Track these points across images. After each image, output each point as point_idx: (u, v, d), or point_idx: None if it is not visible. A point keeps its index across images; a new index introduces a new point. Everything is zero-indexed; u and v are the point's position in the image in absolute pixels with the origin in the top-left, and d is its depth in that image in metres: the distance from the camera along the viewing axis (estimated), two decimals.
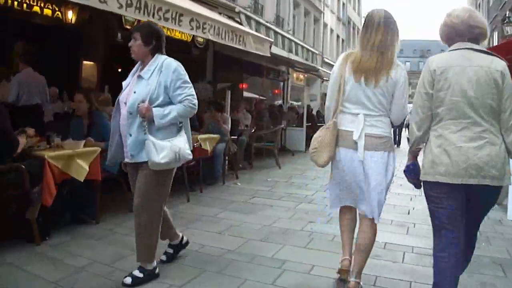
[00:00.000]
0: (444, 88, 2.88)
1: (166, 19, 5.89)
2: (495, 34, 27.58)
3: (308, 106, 18.87)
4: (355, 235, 3.69)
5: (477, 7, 36.21)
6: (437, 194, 2.93)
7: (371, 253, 3.54)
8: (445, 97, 2.88)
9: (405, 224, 5.70)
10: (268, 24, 19.29)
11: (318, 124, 14.07)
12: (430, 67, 2.96)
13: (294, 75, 25.38)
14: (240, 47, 7.91)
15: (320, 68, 21.96)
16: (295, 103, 26.09)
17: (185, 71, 3.70)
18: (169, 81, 3.57)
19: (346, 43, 39.11)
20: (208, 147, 7.31)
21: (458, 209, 2.90)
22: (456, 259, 2.89)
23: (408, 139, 3.54)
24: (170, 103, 3.62)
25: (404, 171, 3.20)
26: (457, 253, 2.89)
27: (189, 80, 3.70)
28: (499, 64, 2.89)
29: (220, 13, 9.62)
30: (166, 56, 3.74)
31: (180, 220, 5.28)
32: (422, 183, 3.07)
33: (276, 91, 22.34)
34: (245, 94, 17.24)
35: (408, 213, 6.37)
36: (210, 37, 6.99)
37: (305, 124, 14.69)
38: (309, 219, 5.76)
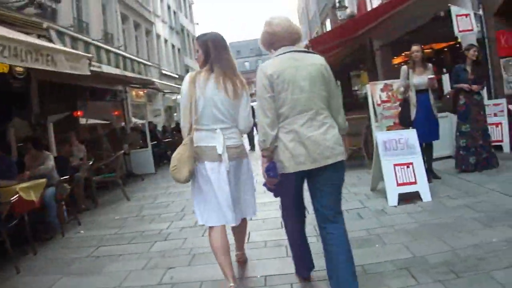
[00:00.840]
0: (284, 89, 3.25)
1: None
2: (328, 22, 29.09)
3: (150, 123, 17.92)
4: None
5: None
6: (294, 181, 3.41)
7: None
8: (287, 97, 3.26)
9: (282, 243, 4.96)
10: (95, 42, 17.96)
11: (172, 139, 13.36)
12: (266, 73, 3.30)
13: (133, 92, 24.25)
14: (50, 68, 6.39)
15: (158, 81, 21.04)
16: (139, 121, 24.97)
17: None
18: None
19: (182, 51, 38.65)
20: (33, 196, 6.12)
21: (301, 193, 3.59)
22: (301, 224, 3.75)
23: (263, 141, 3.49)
24: None
25: (266, 171, 3.37)
26: (301, 221, 3.74)
27: None
28: (321, 60, 3.43)
29: (28, 33, 8.08)
30: None
31: None
32: (280, 181, 3.38)
33: (116, 112, 21.01)
34: (89, 121, 15.66)
35: (281, 226, 5.80)
36: (5, 61, 5.55)
37: (149, 143, 13.71)
38: (168, 264, 4.91)
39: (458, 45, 16.69)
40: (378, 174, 6.75)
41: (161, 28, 31.55)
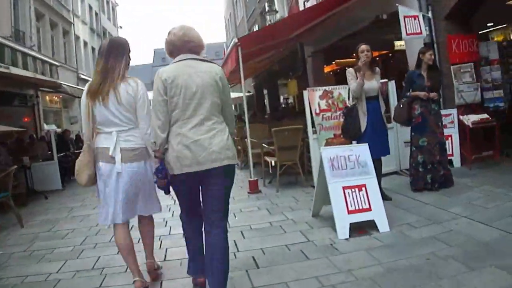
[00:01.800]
0: (177, 94, 3.45)
1: None
2: (256, 27, 27.92)
3: (65, 131, 16.16)
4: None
5: (234, 4, 36.94)
6: (184, 183, 3.57)
7: None
8: (178, 101, 3.45)
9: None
10: (3, 40, 16.01)
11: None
12: (162, 77, 3.47)
13: (47, 97, 22.26)
14: None
15: (71, 85, 19.24)
16: (54, 128, 22.95)
17: None
18: None
19: None
20: None
21: (198, 196, 3.66)
22: (199, 229, 3.79)
23: (154, 143, 3.61)
24: None
25: (154, 172, 3.59)
26: (197, 221, 3.78)
27: None
28: (217, 69, 3.66)
29: None
30: None
31: None
32: (171, 179, 3.57)
33: (26, 119, 18.98)
34: None
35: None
36: None
37: (55, 155, 11.81)
38: None
39: (390, 55, 16.52)
40: (321, 196, 5.68)
41: (80, 29, 29.49)
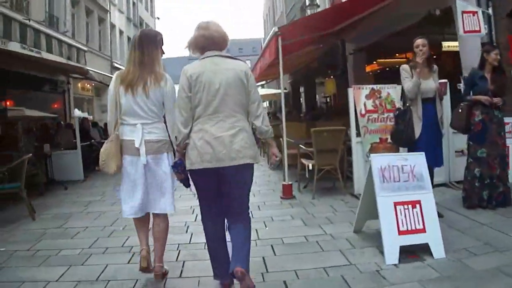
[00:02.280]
0: (200, 90, 3.48)
1: None
2: None
3: (84, 119, 15.60)
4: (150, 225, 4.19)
5: None
6: (204, 179, 3.57)
7: None
8: (202, 97, 3.48)
9: None
10: (35, 25, 15.60)
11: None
12: (187, 74, 3.54)
13: (79, 85, 21.90)
14: None
15: (105, 74, 18.70)
16: (85, 116, 22.60)
17: None
18: None
19: None
20: None
21: (217, 192, 3.62)
22: (219, 225, 3.74)
23: (176, 137, 3.60)
24: None
25: (172, 166, 3.73)
26: (218, 221, 3.74)
27: None
28: (243, 66, 3.66)
29: None
30: None
31: None
32: (189, 175, 3.64)
33: (56, 105, 18.59)
34: (26, 113, 13.17)
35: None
36: None
37: (79, 143, 11.21)
38: None
39: (435, 57, 15.47)
40: (366, 210, 4.89)
41: (117, 18, 29.12)
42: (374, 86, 7.18)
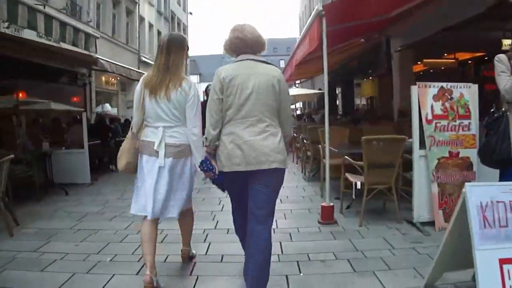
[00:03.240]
0: (233, 93, 3.47)
1: None
2: None
3: (101, 115, 14.33)
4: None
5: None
6: (233, 182, 3.61)
7: None
8: (234, 100, 3.47)
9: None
10: (55, 14, 14.41)
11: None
12: (220, 76, 3.53)
13: (103, 78, 20.75)
14: None
15: (134, 69, 17.39)
16: (110, 111, 21.48)
17: None
18: None
19: None
20: None
21: (245, 193, 3.57)
22: (244, 227, 3.65)
23: (206, 138, 3.59)
24: None
25: (200, 164, 3.70)
26: (244, 223, 3.64)
27: None
28: (276, 72, 3.64)
29: None
30: None
31: None
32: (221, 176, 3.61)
33: (75, 98, 17.37)
34: (52, 106, 12.16)
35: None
36: None
37: (86, 142, 9.75)
38: None
39: (486, 58, 13.86)
40: (449, 257, 3.38)
41: (146, 11, 27.96)
42: (444, 85, 5.55)
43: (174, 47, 3.96)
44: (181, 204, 4.02)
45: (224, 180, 3.65)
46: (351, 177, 6.11)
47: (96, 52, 15.54)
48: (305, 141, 9.95)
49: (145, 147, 3.93)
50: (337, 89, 26.16)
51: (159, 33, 31.27)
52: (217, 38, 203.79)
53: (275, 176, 3.54)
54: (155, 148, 3.86)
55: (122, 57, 20.88)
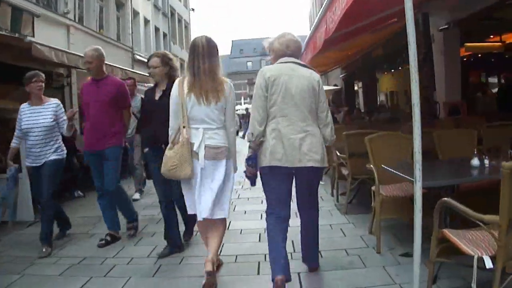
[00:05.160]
0: (277, 92, 3.73)
1: None
2: None
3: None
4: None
5: None
6: (272, 176, 3.78)
7: None
8: (277, 99, 3.73)
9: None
10: (24, 3, 11.82)
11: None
12: (265, 76, 3.78)
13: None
14: None
15: (128, 69, 14.63)
16: None
17: None
18: None
19: (170, 38, 32.48)
20: None
21: (286, 190, 3.84)
22: (284, 233, 3.84)
23: (252, 134, 3.79)
24: None
25: (246, 160, 3.87)
26: (285, 228, 3.86)
27: None
28: (316, 75, 3.92)
29: None
30: None
31: None
32: (259, 172, 3.85)
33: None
34: None
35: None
36: None
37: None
38: None
39: None
40: None
41: (140, 4, 25.26)
42: None
43: (214, 51, 4.06)
44: (226, 205, 4.14)
45: (261, 173, 3.85)
46: (466, 246, 2.96)
47: (33, 36, 12.30)
48: (337, 153, 6.82)
49: None
50: (355, 84, 23.36)
51: (156, 29, 28.66)
52: (221, 37, 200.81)
53: (313, 174, 3.84)
54: (194, 149, 3.95)
55: (112, 55, 18.11)
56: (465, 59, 12.96)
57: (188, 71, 4.06)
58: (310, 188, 3.96)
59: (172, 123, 4.11)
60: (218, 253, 4.16)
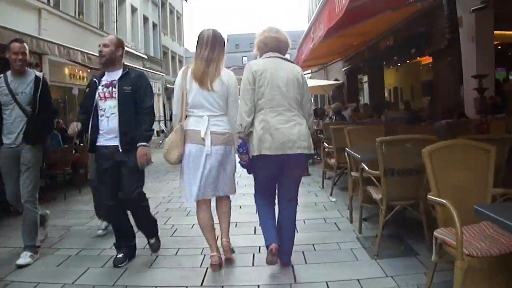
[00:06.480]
0: (264, 85, 3.89)
1: None
2: None
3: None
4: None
5: None
6: (262, 164, 3.92)
7: None
8: (265, 91, 3.89)
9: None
10: None
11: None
12: (252, 69, 3.95)
13: (66, 69, 16.27)
14: None
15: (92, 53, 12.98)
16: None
17: None
18: None
19: (161, 29, 30.63)
20: None
21: (273, 178, 4.05)
22: (272, 213, 4.12)
23: (241, 125, 3.92)
24: None
25: (237, 148, 4.01)
26: (272, 211, 4.13)
27: None
28: (298, 68, 4.16)
29: None
30: None
31: None
32: (252, 159, 3.94)
33: None
34: None
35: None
36: None
37: None
38: None
39: None
40: None
41: None
42: None
43: (218, 42, 4.19)
44: (230, 185, 4.27)
45: (252, 163, 3.96)
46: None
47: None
48: (365, 167, 4.70)
49: (191, 136, 4.09)
50: (359, 77, 21.54)
51: (145, 19, 26.85)
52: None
53: (301, 160, 3.97)
54: (202, 136, 4.01)
55: (94, 43, 16.34)
56: (499, 47, 11.13)
57: (194, 59, 4.24)
58: (295, 177, 4.10)
59: (174, 110, 4.29)
60: (218, 247, 4.24)
